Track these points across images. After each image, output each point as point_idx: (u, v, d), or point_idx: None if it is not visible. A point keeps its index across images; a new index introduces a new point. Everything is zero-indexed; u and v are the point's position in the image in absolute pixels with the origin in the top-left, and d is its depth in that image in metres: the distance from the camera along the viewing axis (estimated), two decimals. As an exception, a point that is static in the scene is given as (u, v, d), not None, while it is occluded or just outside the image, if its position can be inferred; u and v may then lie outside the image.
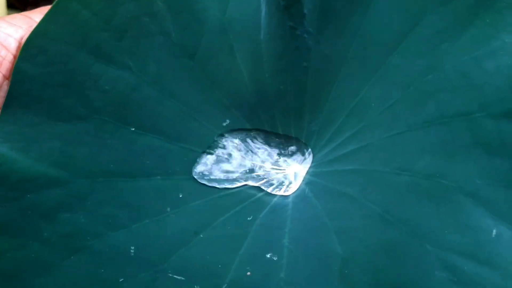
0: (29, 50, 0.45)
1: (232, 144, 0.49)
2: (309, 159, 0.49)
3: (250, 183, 0.48)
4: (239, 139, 0.49)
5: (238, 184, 0.48)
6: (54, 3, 0.45)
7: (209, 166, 0.48)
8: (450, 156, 0.42)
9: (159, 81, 0.47)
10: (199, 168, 0.48)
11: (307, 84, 0.48)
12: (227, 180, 0.48)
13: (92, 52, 0.45)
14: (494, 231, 0.39)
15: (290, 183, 0.48)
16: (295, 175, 0.48)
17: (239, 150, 0.49)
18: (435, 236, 0.40)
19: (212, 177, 0.48)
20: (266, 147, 0.50)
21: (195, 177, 0.48)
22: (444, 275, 0.40)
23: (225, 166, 0.49)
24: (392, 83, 0.45)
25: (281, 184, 0.48)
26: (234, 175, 0.49)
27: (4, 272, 0.44)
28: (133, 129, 0.47)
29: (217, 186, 0.48)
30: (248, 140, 0.49)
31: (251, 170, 0.49)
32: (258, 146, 0.49)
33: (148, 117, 0.47)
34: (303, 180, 0.48)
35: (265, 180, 0.48)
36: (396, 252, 0.41)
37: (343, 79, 0.47)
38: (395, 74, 0.45)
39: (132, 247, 0.45)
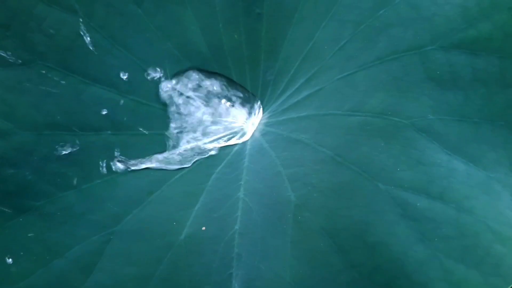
0: None
1: (182, 97, 0.47)
2: (260, 110, 0.47)
3: (206, 138, 0.47)
4: (190, 90, 0.47)
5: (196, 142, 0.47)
6: None
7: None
8: (402, 92, 0.41)
9: (106, 27, 0.45)
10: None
11: (261, 31, 0.47)
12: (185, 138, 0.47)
13: None
14: (448, 166, 0.39)
15: (244, 133, 0.47)
16: (251, 126, 0.47)
17: (191, 104, 0.47)
18: (386, 174, 0.39)
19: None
20: (217, 99, 0.48)
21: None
22: (397, 212, 0.38)
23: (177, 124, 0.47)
24: (344, 23, 0.44)
25: (237, 136, 0.47)
26: (188, 137, 0.47)
27: None
28: (80, 78, 0.44)
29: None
30: (199, 92, 0.48)
31: (203, 124, 0.47)
32: (209, 97, 0.48)
33: (95, 66, 0.45)
34: (259, 132, 0.47)
35: (219, 135, 0.47)
36: (348, 194, 0.40)
37: (297, 24, 0.46)
38: (346, 13, 0.44)
39: (84, 209, 0.42)
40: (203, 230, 0.42)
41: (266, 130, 0.46)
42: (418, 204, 0.38)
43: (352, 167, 0.40)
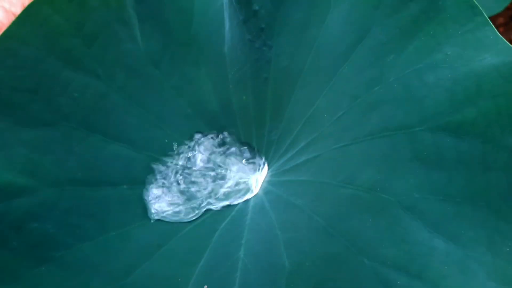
0: None
1: (194, 154, 0.51)
2: (265, 168, 0.51)
3: (212, 203, 0.50)
4: (201, 149, 0.51)
5: (200, 212, 0.49)
6: (25, 7, 0.46)
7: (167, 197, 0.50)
8: (391, 169, 0.43)
9: (126, 89, 0.49)
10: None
11: (267, 94, 0.51)
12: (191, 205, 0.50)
13: (61, 58, 0.47)
14: (429, 244, 0.40)
15: (250, 191, 0.50)
16: (255, 184, 0.50)
17: (201, 161, 0.51)
18: (372, 250, 0.41)
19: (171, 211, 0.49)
20: (227, 157, 0.52)
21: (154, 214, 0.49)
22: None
23: (187, 185, 0.50)
24: (342, 94, 0.46)
25: (241, 194, 0.50)
26: (197, 195, 0.50)
27: None
28: (101, 136, 0.48)
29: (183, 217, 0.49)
30: (209, 150, 0.51)
31: (213, 184, 0.51)
32: (219, 157, 0.52)
33: (115, 124, 0.49)
34: (262, 190, 0.50)
35: (225, 191, 0.50)
36: (336, 266, 0.42)
37: (300, 90, 0.49)
38: (345, 85, 0.46)
39: (99, 260, 0.46)
40: None
41: (268, 189, 0.49)
42: (398, 282, 0.40)
43: (342, 240, 0.42)
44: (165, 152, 0.50)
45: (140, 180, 0.49)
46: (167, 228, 0.48)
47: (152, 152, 0.50)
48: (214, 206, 0.49)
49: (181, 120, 0.51)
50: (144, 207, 0.49)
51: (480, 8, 0.43)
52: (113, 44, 0.48)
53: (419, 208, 0.41)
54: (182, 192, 0.50)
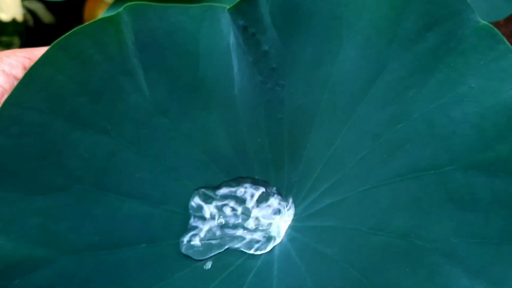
0: (2, 120, 0.43)
1: (211, 206, 0.49)
2: (291, 211, 0.49)
3: (234, 245, 0.48)
4: (217, 201, 0.49)
5: (221, 250, 0.48)
6: (27, 71, 0.44)
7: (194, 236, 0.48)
8: (424, 213, 0.41)
9: (136, 143, 0.47)
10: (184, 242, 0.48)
11: (283, 135, 0.49)
12: (212, 247, 0.48)
13: (69, 119, 0.45)
14: None
15: (274, 239, 0.48)
16: (278, 230, 0.48)
17: (219, 211, 0.49)
18: None
19: (195, 247, 0.48)
20: (246, 203, 0.50)
21: (183, 252, 0.47)
22: None
23: (207, 232, 0.49)
24: (363, 133, 0.45)
25: (265, 242, 0.48)
26: (217, 240, 0.48)
27: None
28: (115, 195, 0.46)
29: (202, 258, 0.47)
30: (227, 200, 0.50)
31: (234, 231, 0.49)
32: (238, 205, 0.50)
33: (128, 181, 0.47)
34: (286, 236, 0.48)
35: (248, 239, 0.48)
36: None
37: (317, 129, 0.47)
38: (365, 123, 0.45)
39: None
40: None
41: (292, 235, 0.48)
42: None
43: None
44: (183, 204, 0.48)
45: (160, 237, 0.47)
46: (191, 286, 0.46)
47: (170, 205, 0.48)
48: (239, 248, 0.48)
49: (197, 169, 0.49)
50: (165, 265, 0.47)
51: (502, 35, 0.41)
52: (120, 98, 0.47)
53: (458, 254, 0.39)
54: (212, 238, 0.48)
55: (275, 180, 0.50)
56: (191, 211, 0.48)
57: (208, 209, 0.49)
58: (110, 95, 0.46)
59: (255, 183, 0.50)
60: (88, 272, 0.44)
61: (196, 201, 0.49)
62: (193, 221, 0.48)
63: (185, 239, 0.47)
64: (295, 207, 0.49)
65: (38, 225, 0.44)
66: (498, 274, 0.38)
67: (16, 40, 0.92)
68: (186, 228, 0.48)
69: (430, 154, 0.42)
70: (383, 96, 0.44)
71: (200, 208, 0.49)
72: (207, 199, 0.49)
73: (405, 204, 0.42)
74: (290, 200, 0.49)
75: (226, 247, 0.48)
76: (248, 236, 0.49)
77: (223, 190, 0.49)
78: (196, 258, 0.47)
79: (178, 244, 0.48)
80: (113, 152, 0.47)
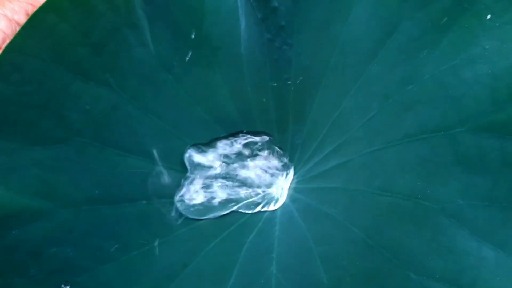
0: (3, 67, 0.42)
1: (214, 162, 0.48)
2: (291, 173, 0.48)
3: (236, 207, 0.47)
4: (221, 156, 0.48)
5: (226, 212, 0.47)
6: (29, 17, 0.42)
7: (191, 193, 0.47)
8: (431, 174, 0.41)
9: (139, 98, 0.46)
10: (180, 198, 0.47)
11: (289, 96, 0.48)
12: (213, 207, 0.47)
13: (71, 69, 0.44)
14: (478, 254, 0.39)
15: (277, 200, 0.48)
16: (281, 191, 0.48)
17: (222, 168, 0.48)
18: (418, 263, 0.40)
19: (196, 205, 0.47)
20: (248, 162, 0.49)
21: (179, 209, 0.46)
22: None
23: (209, 189, 0.48)
24: (371, 94, 0.44)
25: (267, 202, 0.48)
26: (218, 199, 0.48)
27: None
28: (116, 150, 0.45)
29: (204, 218, 0.47)
30: (230, 156, 0.49)
31: (236, 190, 0.48)
32: (240, 162, 0.49)
33: (130, 137, 0.46)
34: (289, 198, 0.47)
35: (251, 199, 0.48)
36: (380, 281, 0.40)
37: (324, 90, 0.47)
38: (374, 84, 0.44)
39: (122, 284, 0.43)
40: None
41: (295, 197, 0.47)
42: None
43: (383, 252, 0.40)
44: (183, 162, 0.47)
45: (158, 194, 0.46)
46: (191, 244, 0.45)
47: (171, 163, 0.47)
48: (239, 210, 0.47)
49: (198, 127, 0.48)
50: (165, 223, 0.46)
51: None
52: (123, 51, 0.45)
53: (465, 215, 0.39)
54: (205, 197, 0.47)
55: (279, 141, 0.49)
56: (187, 163, 0.47)
57: (205, 163, 0.48)
58: (114, 47, 0.45)
59: (257, 137, 0.49)
60: (87, 226, 0.44)
61: (191, 154, 0.48)
62: (189, 175, 0.47)
63: (178, 197, 0.47)
64: (299, 169, 0.48)
65: (37, 176, 0.43)
66: (505, 237, 0.38)
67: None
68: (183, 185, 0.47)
69: (440, 116, 0.41)
70: (393, 56, 0.43)
71: (195, 163, 0.48)
72: (202, 153, 0.48)
73: (412, 165, 0.41)
74: (293, 162, 0.48)
75: (226, 208, 0.47)
76: (249, 197, 0.48)
77: (222, 145, 0.48)
78: (192, 217, 0.46)
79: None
80: (115, 106, 0.45)
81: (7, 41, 0.42)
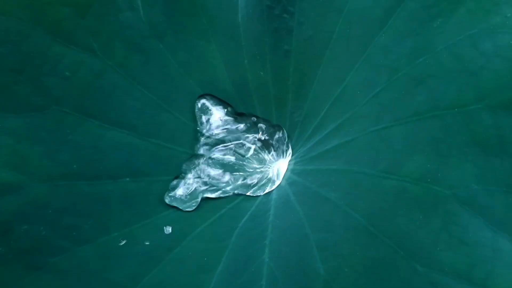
0: None
1: (206, 141, 0.45)
2: (289, 153, 0.45)
3: (227, 187, 0.44)
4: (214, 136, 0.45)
5: (219, 193, 0.44)
6: None
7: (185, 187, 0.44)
8: (442, 156, 0.37)
9: (126, 66, 0.42)
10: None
11: (289, 69, 0.44)
12: (204, 190, 0.44)
13: (50, 31, 0.40)
14: (493, 246, 0.35)
15: (273, 182, 0.44)
16: (277, 173, 0.44)
17: (216, 148, 0.45)
18: (425, 254, 0.36)
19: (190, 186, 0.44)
20: (243, 140, 0.45)
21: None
22: None
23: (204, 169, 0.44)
24: (379, 67, 0.40)
25: (262, 185, 0.44)
26: (213, 180, 0.44)
27: None
28: (98, 122, 0.42)
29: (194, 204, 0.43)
30: (223, 134, 0.45)
31: (231, 170, 0.45)
32: (235, 140, 0.45)
33: (114, 108, 0.42)
34: (285, 180, 0.44)
35: (245, 181, 0.44)
36: (382, 273, 0.37)
37: (327, 63, 0.43)
38: (382, 56, 0.40)
39: (100, 266, 0.40)
40: None
41: (292, 179, 0.43)
42: None
43: (387, 242, 0.37)
44: (172, 138, 0.44)
45: (145, 172, 0.43)
46: (178, 227, 0.42)
47: (158, 139, 0.43)
48: (230, 192, 0.43)
49: (190, 101, 0.44)
50: (150, 203, 0.42)
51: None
52: (110, 14, 0.42)
53: (479, 202, 0.36)
54: (199, 179, 0.43)
55: (277, 119, 0.45)
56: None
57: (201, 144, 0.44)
58: (99, 9, 0.41)
59: (255, 121, 0.45)
60: (64, 202, 0.40)
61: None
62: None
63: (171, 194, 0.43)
64: (298, 149, 0.44)
65: (8, 146, 0.39)
66: None
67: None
68: (173, 164, 0.43)
69: (454, 91, 0.37)
70: (404, 26, 0.40)
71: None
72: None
73: (421, 146, 0.38)
74: (292, 141, 0.45)
75: (218, 190, 0.44)
76: (243, 178, 0.44)
77: (221, 124, 0.45)
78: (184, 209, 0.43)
79: (164, 181, 0.43)
80: (99, 74, 0.42)
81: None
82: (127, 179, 0.42)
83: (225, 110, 0.44)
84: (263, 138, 0.44)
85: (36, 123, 0.40)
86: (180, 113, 0.44)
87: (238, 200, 0.43)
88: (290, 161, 0.44)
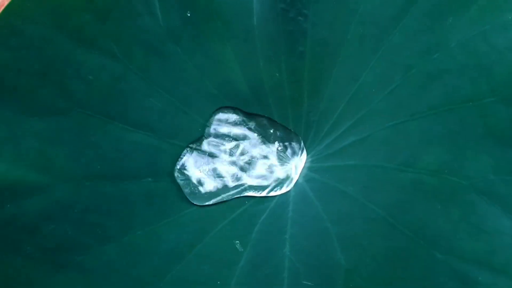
0: (1, 30, 0.40)
1: (223, 141, 0.46)
2: (304, 152, 0.45)
3: (247, 193, 0.45)
4: (230, 136, 0.46)
5: (234, 192, 0.44)
6: None
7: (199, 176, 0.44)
8: (459, 148, 0.38)
9: (145, 69, 0.43)
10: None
11: (304, 70, 0.45)
12: (222, 189, 0.44)
13: (73, 36, 0.41)
14: None
15: (290, 181, 0.45)
16: (294, 171, 0.45)
17: (231, 149, 0.46)
18: (445, 243, 0.37)
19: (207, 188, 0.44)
20: (260, 143, 0.46)
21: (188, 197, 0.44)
22: (457, 286, 0.36)
23: (218, 167, 0.45)
24: (393, 65, 0.41)
25: (279, 184, 0.45)
26: (229, 182, 0.45)
27: None
28: (120, 124, 0.43)
29: (212, 202, 0.44)
30: (240, 135, 0.46)
31: (246, 172, 0.45)
32: (251, 142, 0.46)
33: (135, 110, 0.43)
34: (302, 177, 0.44)
35: (262, 182, 0.45)
36: (403, 262, 0.38)
37: (342, 63, 0.44)
38: (396, 54, 0.41)
39: (124, 264, 0.40)
40: None
41: (310, 176, 0.44)
42: (480, 278, 0.35)
43: (406, 232, 0.37)
44: (190, 139, 0.45)
45: (166, 172, 0.44)
46: (200, 224, 0.43)
47: (178, 140, 0.44)
48: (247, 192, 0.44)
49: (207, 103, 0.45)
50: (171, 202, 0.43)
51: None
52: (129, 19, 0.43)
53: (497, 192, 0.36)
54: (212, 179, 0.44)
55: (293, 119, 0.46)
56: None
57: (215, 146, 0.45)
58: (119, 14, 0.43)
59: (270, 123, 0.46)
60: (88, 202, 0.41)
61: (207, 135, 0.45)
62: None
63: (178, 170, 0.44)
64: (314, 147, 0.45)
65: (34, 147, 0.40)
66: None
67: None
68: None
69: (468, 85, 0.38)
70: (417, 24, 0.41)
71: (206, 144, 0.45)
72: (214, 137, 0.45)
73: (438, 139, 0.39)
74: (308, 140, 0.45)
75: (235, 191, 0.44)
76: (259, 179, 0.45)
77: (234, 127, 0.46)
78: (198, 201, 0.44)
79: (184, 181, 0.44)
80: (120, 77, 0.43)
81: (6, 3, 0.40)
82: (149, 179, 0.43)
83: (241, 119, 0.45)
84: (280, 148, 0.45)
85: (60, 125, 0.41)
86: (198, 115, 0.45)
87: (257, 198, 0.44)
88: (306, 159, 0.45)
